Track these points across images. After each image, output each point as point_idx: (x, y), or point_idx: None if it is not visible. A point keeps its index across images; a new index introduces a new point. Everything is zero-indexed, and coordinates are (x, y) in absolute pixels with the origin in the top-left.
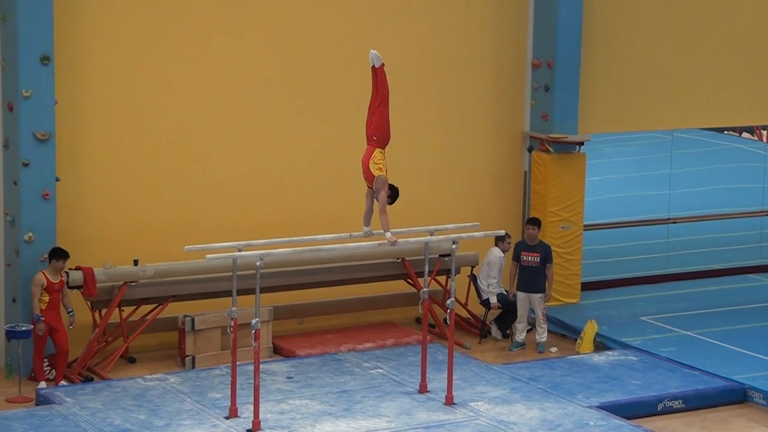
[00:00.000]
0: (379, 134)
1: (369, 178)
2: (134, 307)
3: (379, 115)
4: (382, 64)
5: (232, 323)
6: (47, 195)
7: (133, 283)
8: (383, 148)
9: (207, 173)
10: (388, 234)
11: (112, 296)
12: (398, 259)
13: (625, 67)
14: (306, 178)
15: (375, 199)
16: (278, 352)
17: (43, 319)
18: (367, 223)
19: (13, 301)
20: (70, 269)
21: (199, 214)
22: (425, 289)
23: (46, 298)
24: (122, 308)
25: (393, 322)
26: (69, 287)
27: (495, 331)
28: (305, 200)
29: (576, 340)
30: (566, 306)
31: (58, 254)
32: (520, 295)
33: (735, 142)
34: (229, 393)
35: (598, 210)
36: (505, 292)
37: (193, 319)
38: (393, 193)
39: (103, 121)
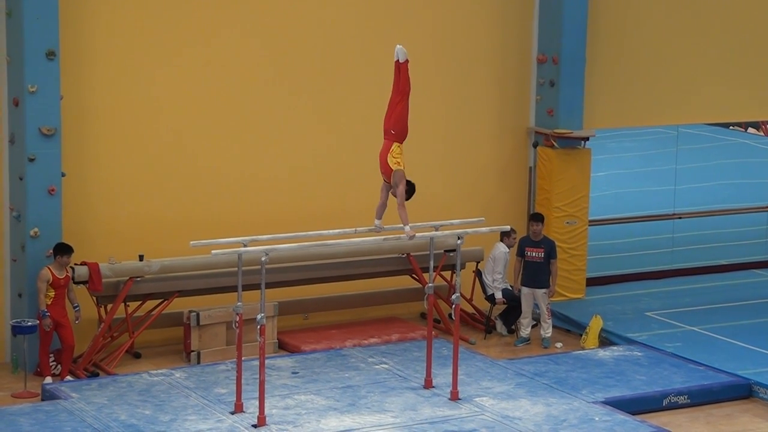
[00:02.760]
0: (397, 129)
1: (386, 172)
2: (140, 303)
3: (399, 111)
4: (407, 60)
5: (238, 318)
6: (53, 190)
7: (138, 279)
8: (401, 143)
9: (212, 168)
10: (407, 228)
11: (117, 291)
12: (403, 254)
13: (630, 62)
14: (311, 173)
15: (391, 194)
16: (283, 347)
17: (49, 314)
18: (379, 216)
19: (19, 296)
20: (75, 264)
21: (204, 209)
22: (430, 285)
23: (52, 294)
24: (128, 303)
25: (398, 317)
26: (74, 282)
27: (500, 326)
28: (310, 195)
29: (581, 335)
30: (571, 301)
31: (63, 249)
32: (525, 291)
33: (740, 137)
34: (235, 388)
35: (603, 205)
36: (511, 288)
37: (198, 315)
38: (410, 189)
39: (109, 117)
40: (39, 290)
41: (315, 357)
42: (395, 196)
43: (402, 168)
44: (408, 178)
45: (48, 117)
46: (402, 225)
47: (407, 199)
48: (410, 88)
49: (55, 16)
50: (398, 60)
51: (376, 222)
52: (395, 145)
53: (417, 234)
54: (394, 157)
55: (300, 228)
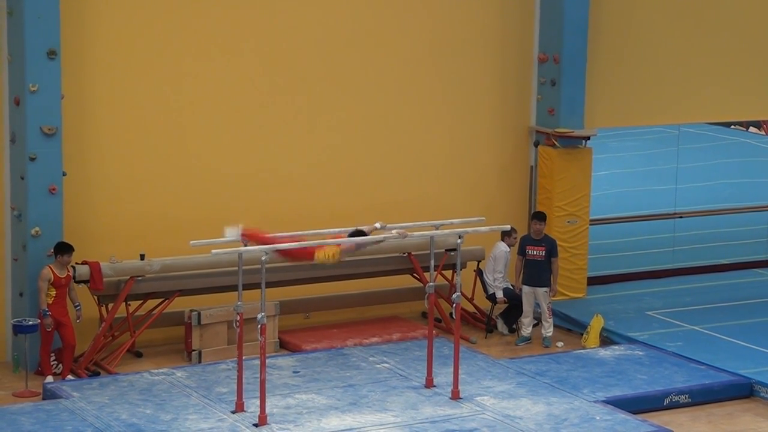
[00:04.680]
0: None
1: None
2: (141, 302)
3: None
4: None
5: (238, 318)
6: (54, 189)
7: (139, 278)
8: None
9: (213, 168)
10: (394, 232)
11: (118, 291)
12: (404, 253)
13: (631, 61)
14: (311, 173)
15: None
16: (284, 346)
17: (50, 313)
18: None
19: (20, 295)
20: (76, 264)
21: (205, 208)
22: (431, 284)
23: (53, 293)
24: (129, 303)
25: (399, 316)
26: (76, 282)
27: (501, 325)
28: (311, 195)
29: (582, 334)
30: (572, 300)
31: (63, 249)
32: (526, 290)
33: (742, 136)
34: (236, 387)
35: (604, 204)
36: (512, 287)
37: (199, 314)
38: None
39: (110, 116)
40: (40, 289)
41: (316, 356)
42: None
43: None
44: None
45: (49, 116)
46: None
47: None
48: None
49: (56, 15)
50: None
51: (377, 224)
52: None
53: (418, 233)
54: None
55: (300, 227)
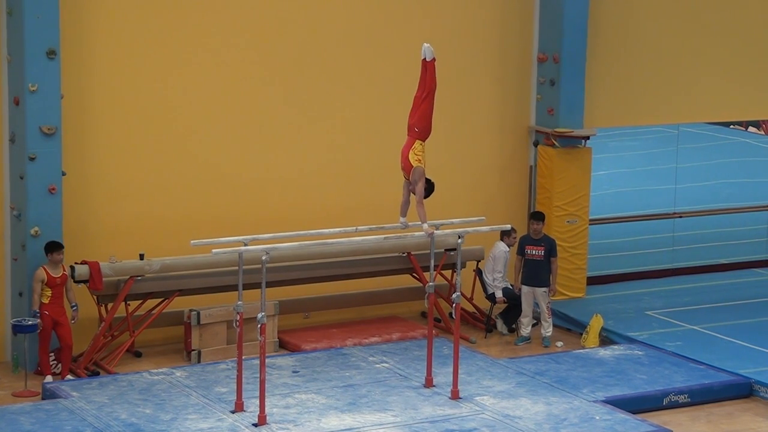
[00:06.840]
0: (420, 126)
1: (407, 168)
2: (140, 302)
3: (424, 108)
4: (434, 59)
5: (238, 317)
6: (53, 189)
7: (139, 278)
8: (423, 141)
9: (213, 167)
10: (425, 225)
11: (118, 290)
12: (404, 253)
13: (631, 61)
14: (312, 172)
15: (411, 192)
16: (284, 346)
17: (40, 314)
18: (403, 214)
19: (20, 295)
20: (76, 263)
21: (205, 208)
22: (431, 284)
23: (49, 293)
24: (128, 302)
25: (398, 316)
26: (75, 281)
27: (500, 325)
28: (311, 195)
29: (582, 334)
30: (572, 300)
31: (51, 248)
32: (525, 289)
33: (741, 136)
34: (235, 387)
35: (604, 204)
36: (511, 287)
37: (198, 314)
38: (429, 187)
39: (110, 116)
40: (33, 290)
41: (316, 356)
42: (414, 193)
43: (423, 165)
44: (428, 176)
45: (48, 116)
46: (420, 223)
47: (426, 197)
48: (436, 86)
49: (55, 15)
50: (425, 58)
51: (401, 219)
52: (418, 142)
53: (417, 233)
54: (415, 154)
55: (301, 227)
